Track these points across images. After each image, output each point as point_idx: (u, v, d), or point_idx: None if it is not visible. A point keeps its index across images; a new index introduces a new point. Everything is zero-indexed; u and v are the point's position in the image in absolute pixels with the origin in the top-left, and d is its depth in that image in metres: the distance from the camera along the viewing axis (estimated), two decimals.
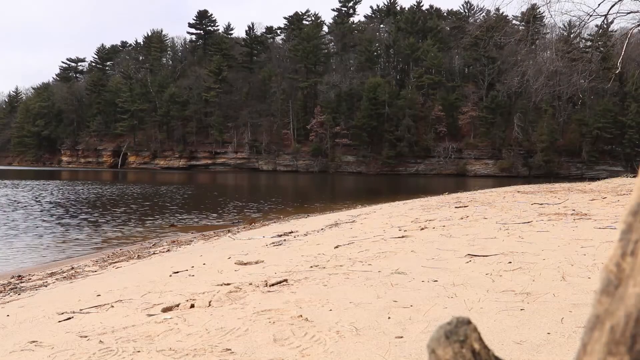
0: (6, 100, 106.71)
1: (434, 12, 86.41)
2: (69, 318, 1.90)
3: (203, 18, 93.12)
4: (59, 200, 13.55)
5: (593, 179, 22.60)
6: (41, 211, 10.55)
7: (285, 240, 3.82)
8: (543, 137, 67.04)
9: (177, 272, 2.71)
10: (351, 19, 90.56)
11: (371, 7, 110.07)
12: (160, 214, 10.27)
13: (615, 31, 51.81)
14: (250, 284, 2.19)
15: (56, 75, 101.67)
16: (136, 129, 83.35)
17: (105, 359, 1.42)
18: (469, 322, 0.50)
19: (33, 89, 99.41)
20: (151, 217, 9.76)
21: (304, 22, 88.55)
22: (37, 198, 14.10)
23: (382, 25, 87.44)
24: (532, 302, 1.75)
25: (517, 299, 1.79)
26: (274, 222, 7.40)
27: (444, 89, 75.16)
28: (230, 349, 1.44)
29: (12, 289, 3.26)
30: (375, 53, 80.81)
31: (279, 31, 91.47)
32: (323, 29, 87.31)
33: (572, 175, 62.15)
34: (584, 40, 75.28)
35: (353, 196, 18.33)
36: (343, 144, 74.05)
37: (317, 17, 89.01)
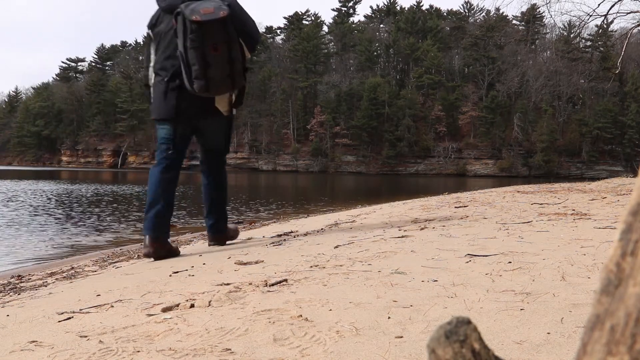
0: (6, 100, 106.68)
1: (434, 12, 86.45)
2: (69, 318, 1.90)
3: None
4: (58, 200, 13.56)
5: (593, 178, 22.65)
6: (40, 211, 10.56)
7: (285, 240, 3.81)
8: (543, 137, 67.09)
9: (177, 272, 2.71)
10: (351, 18, 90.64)
11: (371, 7, 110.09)
12: None
13: (615, 31, 51.91)
14: (250, 283, 2.19)
15: (56, 75, 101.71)
16: (136, 129, 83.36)
17: (105, 358, 1.42)
18: (469, 321, 0.50)
19: (33, 88, 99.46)
20: None
21: (304, 22, 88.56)
22: (36, 198, 14.11)
23: (382, 25, 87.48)
24: (532, 302, 1.75)
25: (517, 299, 1.79)
26: (274, 221, 7.39)
27: (443, 89, 75.19)
28: (230, 349, 1.44)
29: (11, 289, 3.25)
30: (375, 53, 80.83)
31: (278, 31, 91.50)
32: (323, 29, 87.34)
33: (572, 175, 62.20)
34: (583, 41, 75.39)
35: (353, 196, 18.34)
36: (343, 144, 74.05)
37: (317, 17, 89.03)
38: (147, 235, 3.48)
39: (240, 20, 3.47)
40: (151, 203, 3.53)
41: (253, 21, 3.65)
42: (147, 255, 3.48)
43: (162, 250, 3.47)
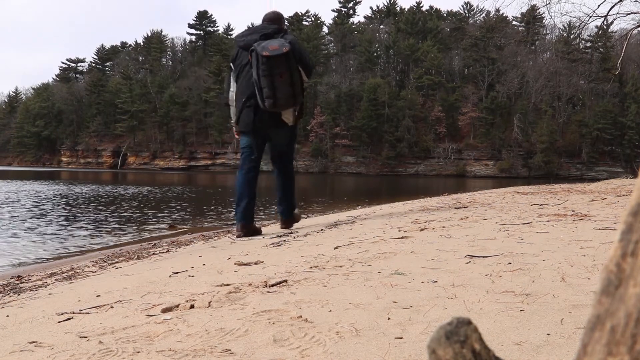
0: (6, 100, 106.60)
1: (434, 12, 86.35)
2: (69, 318, 1.90)
3: (203, 18, 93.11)
4: (58, 201, 13.55)
5: (593, 179, 22.64)
6: (40, 211, 10.55)
7: (284, 240, 3.81)
8: (543, 137, 67.02)
9: (177, 273, 2.71)
10: (351, 19, 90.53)
11: (371, 7, 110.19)
12: (159, 215, 10.27)
13: (615, 32, 51.87)
14: (250, 284, 2.19)
15: (56, 75, 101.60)
16: (136, 129, 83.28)
17: (105, 359, 1.42)
18: (469, 322, 0.50)
19: (33, 89, 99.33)
20: (151, 217, 9.75)
21: (304, 22, 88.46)
22: (36, 198, 14.10)
23: (382, 26, 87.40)
24: (532, 303, 1.75)
25: (516, 300, 1.79)
26: (274, 222, 7.38)
27: (443, 89, 75.12)
28: (230, 350, 1.44)
29: (11, 289, 3.25)
30: (375, 54, 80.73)
31: None
32: (323, 30, 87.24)
33: (572, 176, 62.14)
34: (583, 42, 75.40)
35: (353, 197, 18.33)
36: (343, 145, 73.98)
37: (316, 17, 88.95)
38: (239, 223, 4.58)
39: (299, 54, 4.55)
40: (240, 198, 4.62)
41: (308, 54, 4.84)
42: (239, 236, 4.49)
43: (249, 231, 4.56)
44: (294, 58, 4.46)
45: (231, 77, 4.76)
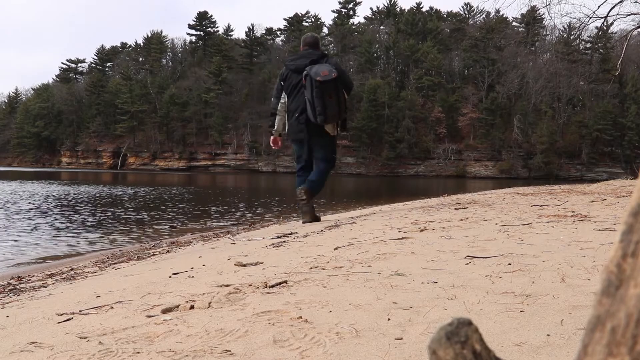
0: (6, 101, 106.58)
1: (434, 13, 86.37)
2: (69, 319, 1.89)
3: (203, 19, 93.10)
4: (58, 202, 13.55)
5: (593, 180, 22.64)
6: (39, 212, 10.54)
7: (284, 241, 3.81)
8: (543, 138, 67.02)
9: (177, 273, 2.70)
10: (351, 20, 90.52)
11: (371, 8, 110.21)
12: (159, 215, 10.26)
13: (615, 33, 51.84)
14: (250, 285, 2.18)
15: (56, 76, 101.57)
16: (136, 130, 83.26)
17: None
18: (470, 323, 0.50)
19: (33, 89, 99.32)
20: (151, 218, 9.74)
21: (304, 23, 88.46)
22: (35, 199, 14.10)
23: (382, 27, 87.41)
24: (532, 304, 1.75)
25: (516, 301, 1.79)
26: (274, 223, 7.38)
27: (443, 90, 75.08)
28: (230, 350, 1.44)
29: (11, 290, 3.25)
30: (375, 54, 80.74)
31: (278, 32, 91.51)
32: (323, 30, 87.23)
33: (572, 176, 62.13)
34: (583, 42, 75.42)
35: (352, 197, 18.32)
36: (343, 145, 73.89)
37: (317, 18, 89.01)
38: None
39: (342, 78, 5.43)
40: (298, 183, 5.62)
41: (349, 75, 5.73)
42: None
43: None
44: (340, 81, 5.34)
45: (282, 92, 5.63)
